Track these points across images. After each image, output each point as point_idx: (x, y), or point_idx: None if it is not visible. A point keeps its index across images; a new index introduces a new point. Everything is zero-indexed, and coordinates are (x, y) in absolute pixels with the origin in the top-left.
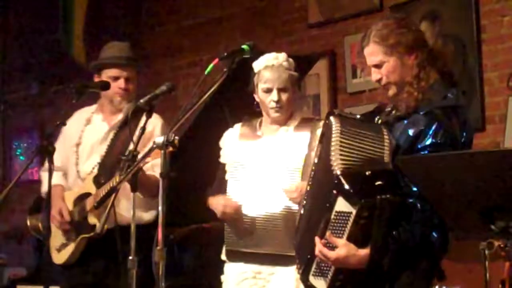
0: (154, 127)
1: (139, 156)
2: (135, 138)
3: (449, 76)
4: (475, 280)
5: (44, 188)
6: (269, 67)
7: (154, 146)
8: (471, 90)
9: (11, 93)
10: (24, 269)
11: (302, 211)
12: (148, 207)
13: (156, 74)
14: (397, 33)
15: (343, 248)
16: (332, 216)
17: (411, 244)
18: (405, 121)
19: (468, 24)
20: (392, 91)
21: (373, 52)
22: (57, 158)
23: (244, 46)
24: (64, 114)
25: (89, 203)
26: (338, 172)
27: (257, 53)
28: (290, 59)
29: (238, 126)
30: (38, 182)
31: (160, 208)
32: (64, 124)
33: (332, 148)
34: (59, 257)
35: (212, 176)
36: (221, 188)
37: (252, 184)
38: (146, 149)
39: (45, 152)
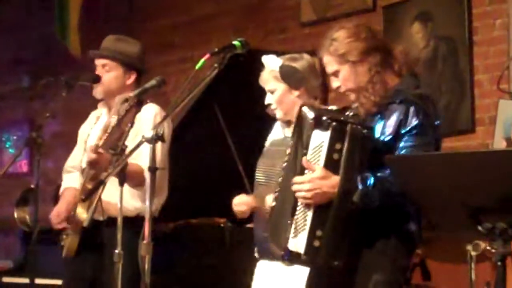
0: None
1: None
2: (124, 132)
3: (414, 76)
4: (461, 281)
5: (60, 190)
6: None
7: (143, 140)
8: (462, 91)
9: (1, 85)
10: (10, 261)
11: (274, 203)
12: (141, 198)
13: (148, 69)
14: (346, 43)
15: (318, 170)
16: (309, 155)
17: (385, 193)
18: (379, 116)
19: (460, 25)
20: (352, 97)
21: (328, 62)
22: (74, 157)
23: (235, 42)
24: (54, 106)
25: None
26: (312, 115)
27: (249, 49)
28: (279, 59)
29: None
30: (26, 174)
31: (147, 202)
32: (53, 117)
33: (306, 114)
34: (63, 251)
35: (206, 171)
36: None
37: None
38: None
39: (34, 144)
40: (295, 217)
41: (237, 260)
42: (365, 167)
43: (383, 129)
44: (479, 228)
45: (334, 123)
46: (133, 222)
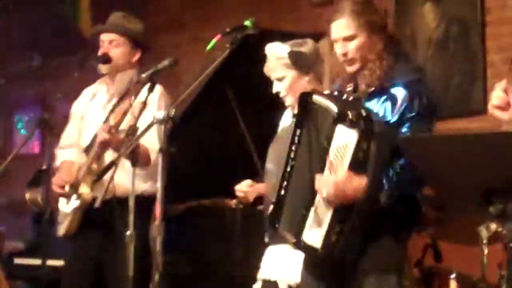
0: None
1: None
2: (136, 113)
3: (407, 58)
4: (473, 262)
5: (56, 164)
6: (267, 60)
7: (154, 121)
8: (475, 72)
9: (13, 65)
10: (22, 242)
11: (283, 192)
12: (145, 178)
13: (158, 50)
14: (368, 13)
15: (343, 173)
16: (331, 152)
17: (405, 187)
18: (380, 98)
19: (472, 6)
20: (354, 67)
21: (347, 26)
22: (69, 135)
23: (247, 23)
24: (66, 87)
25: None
26: (336, 110)
27: (260, 30)
28: (285, 46)
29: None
30: (38, 155)
31: (159, 183)
32: (65, 97)
33: (326, 104)
34: (61, 229)
35: (214, 152)
36: None
37: None
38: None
39: (46, 125)
40: (313, 209)
41: (248, 242)
42: (388, 164)
43: (385, 113)
44: (490, 209)
45: (361, 122)
46: (137, 201)
